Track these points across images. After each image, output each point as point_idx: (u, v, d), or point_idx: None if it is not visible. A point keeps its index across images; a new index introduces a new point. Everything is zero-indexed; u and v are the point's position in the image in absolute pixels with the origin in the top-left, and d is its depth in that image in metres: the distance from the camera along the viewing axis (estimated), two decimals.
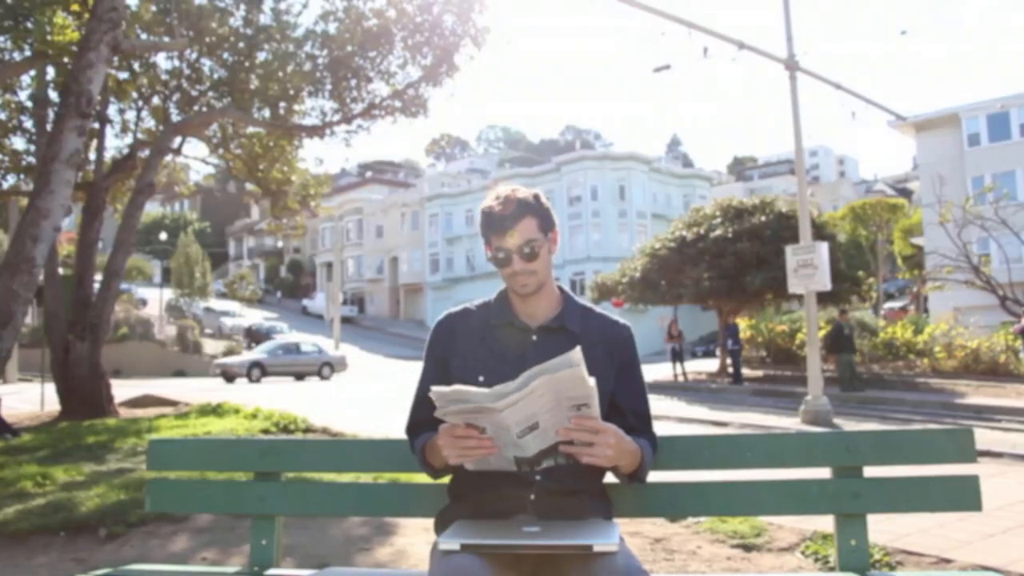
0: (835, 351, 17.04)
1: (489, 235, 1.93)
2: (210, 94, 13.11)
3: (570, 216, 46.27)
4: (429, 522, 2.04)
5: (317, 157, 79.81)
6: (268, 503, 2.25)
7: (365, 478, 4.41)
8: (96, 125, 11.80)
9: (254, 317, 42.77)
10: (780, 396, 16.61)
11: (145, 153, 12.07)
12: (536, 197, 1.94)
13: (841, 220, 34.14)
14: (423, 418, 1.99)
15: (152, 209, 62.77)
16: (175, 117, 12.93)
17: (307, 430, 8.47)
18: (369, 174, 76.07)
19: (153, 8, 12.02)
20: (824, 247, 12.10)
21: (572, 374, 1.60)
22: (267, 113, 12.80)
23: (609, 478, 1.95)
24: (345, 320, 43.43)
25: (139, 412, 11.27)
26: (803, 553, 3.82)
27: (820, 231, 19.47)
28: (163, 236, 51.45)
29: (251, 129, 13.74)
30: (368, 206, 59.68)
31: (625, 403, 1.98)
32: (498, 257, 1.92)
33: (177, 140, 12.97)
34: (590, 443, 1.68)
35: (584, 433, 1.67)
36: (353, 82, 12.56)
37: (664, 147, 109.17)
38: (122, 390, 13.35)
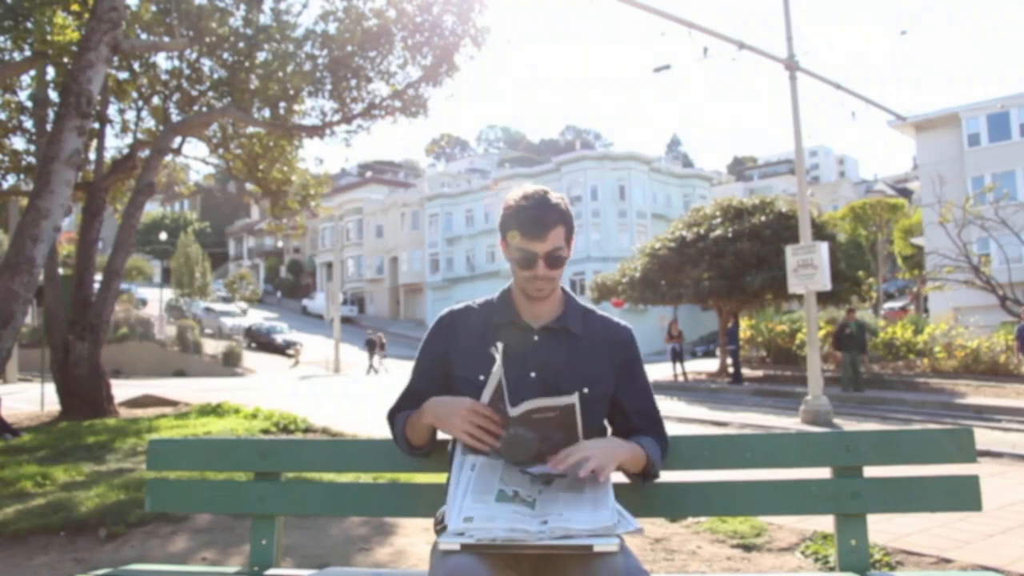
0: (837, 348, 17.24)
1: (514, 233, 1.88)
2: (210, 94, 13.11)
3: None
4: (429, 522, 2.04)
5: (317, 157, 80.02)
6: (268, 503, 2.25)
7: (365, 478, 4.41)
8: (96, 125, 11.79)
9: (254, 317, 42.78)
10: (780, 396, 16.60)
11: (145, 153, 12.07)
12: (565, 204, 1.92)
13: (841, 220, 34.11)
14: (408, 408, 2.02)
15: (152, 209, 62.83)
16: (175, 117, 12.92)
17: (307, 430, 8.47)
18: (369, 174, 76.08)
19: (153, 8, 12.02)
20: (824, 247, 12.10)
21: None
22: (267, 113, 12.79)
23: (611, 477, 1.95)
24: (345, 320, 43.42)
25: (139, 412, 11.27)
26: (803, 553, 3.82)
27: (820, 231, 19.48)
28: (163, 236, 51.47)
29: (251, 129, 13.73)
30: (368, 206, 59.67)
31: (629, 404, 1.99)
32: (522, 258, 1.89)
33: (177, 140, 12.97)
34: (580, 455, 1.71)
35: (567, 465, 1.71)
36: (353, 82, 12.56)
37: (664, 147, 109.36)
38: (122, 390, 13.35)
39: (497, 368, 1.70)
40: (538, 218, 1.85)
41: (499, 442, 1.74)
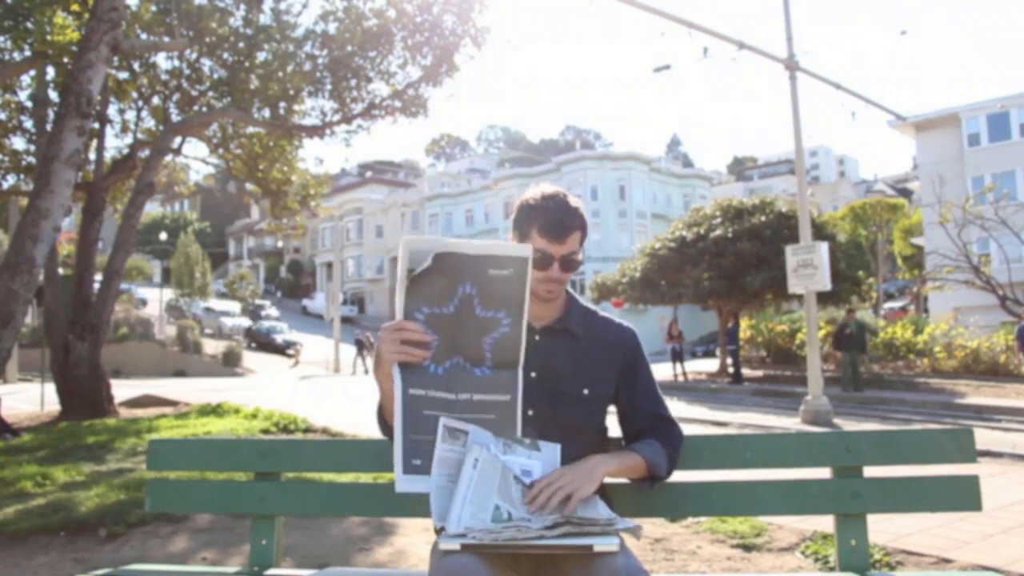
0: (837, 348, 17.30)
1: (531, 233, 1.88)
2: (210, 94, 13.11)
3: None
4: (429, 522, 2.03)
5: (317, 157, 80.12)
6: (268, 503, 2.25)
7: (365, 478, 4.41)
8: (96, 125, 11.79)
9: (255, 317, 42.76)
10: (780, 396, 16.60)
11: (145, 153, 12.07)
12: (583, 208, 1.94)
13: (841, 220, 34.10)
14: None
15: (152, 209, 62.83)
16: (175, 117, 12.93)
17: (307, 430, 8.47)
18: (369, 174, 76.08)
19: (153, 8, 12.02)
20: (824, 247, 12.10)
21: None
22: (267, 113, 12.79)
23: (609, 479, 1.94)
24: (345, 320, 43.41)
25: (139, 412, 11.27)
26: (803, 553, 3.82)
27: (820, 231, 19.48)
28: (163, 236, 51.47)
29: (251, 129, 13.73)
30: (368, 206, 59.69)
31: (633, 405, 1.99)
32: (538, 259, 1.88)
33: (177, 140, 12.97)
34: (562, 492, 1.67)
35: (548, 496, 1.66)
36: (353, 82, 12.56)
37: (664, 147, 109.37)
38: (122, 390, 13.35)
39: (400, 273, 1.62)
40: (560, 221, 1.87)
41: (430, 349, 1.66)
